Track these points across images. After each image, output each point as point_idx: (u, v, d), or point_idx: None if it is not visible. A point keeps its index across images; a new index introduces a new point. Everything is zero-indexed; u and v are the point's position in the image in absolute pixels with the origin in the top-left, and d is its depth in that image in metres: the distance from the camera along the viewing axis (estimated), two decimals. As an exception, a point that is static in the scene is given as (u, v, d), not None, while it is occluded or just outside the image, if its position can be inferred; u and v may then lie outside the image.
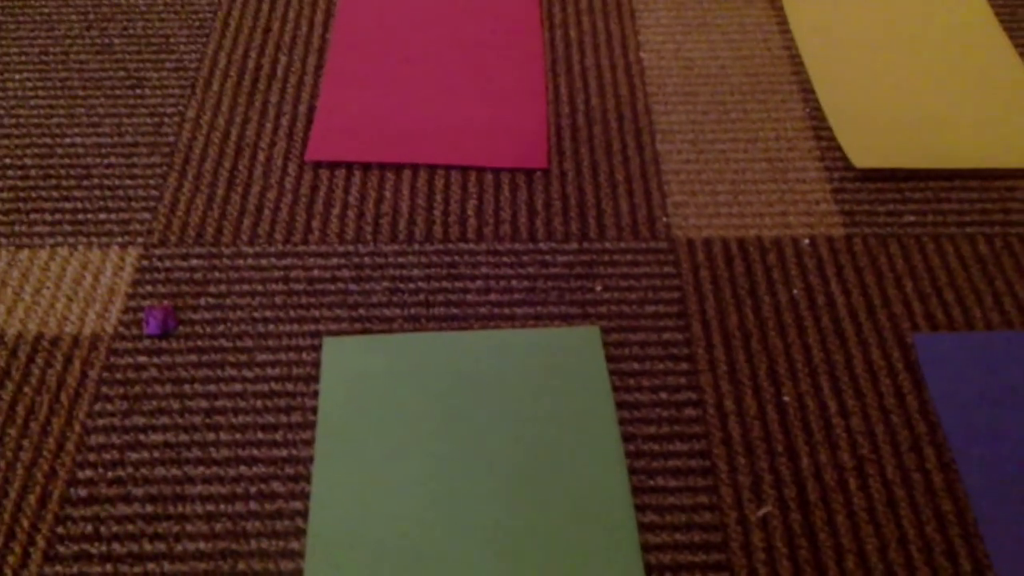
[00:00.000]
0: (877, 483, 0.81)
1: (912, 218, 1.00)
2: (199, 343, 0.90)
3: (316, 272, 0.96)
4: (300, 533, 0.77)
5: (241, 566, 0.76)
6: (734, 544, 0.77)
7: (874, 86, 1.12)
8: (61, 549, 0.77)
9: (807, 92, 1.13)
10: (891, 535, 0.77)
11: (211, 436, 0.83)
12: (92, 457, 0.82)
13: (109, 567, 0.76)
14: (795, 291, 0.94)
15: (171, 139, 1.08)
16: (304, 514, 0.79)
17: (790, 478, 0.81)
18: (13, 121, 1.10)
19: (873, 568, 0.76)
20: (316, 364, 0.89)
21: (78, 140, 1.08)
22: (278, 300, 0.94)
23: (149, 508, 0.79)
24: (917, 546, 0.77)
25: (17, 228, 0.99)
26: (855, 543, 0.77)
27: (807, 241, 0.98)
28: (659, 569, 0.76)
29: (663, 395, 0.87)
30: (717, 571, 0.76)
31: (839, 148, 1.07)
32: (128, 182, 1.04)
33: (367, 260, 0.97)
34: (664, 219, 1.01)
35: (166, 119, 1.10)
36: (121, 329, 0.91)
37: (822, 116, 1.10)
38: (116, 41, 1.19)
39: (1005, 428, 0.83)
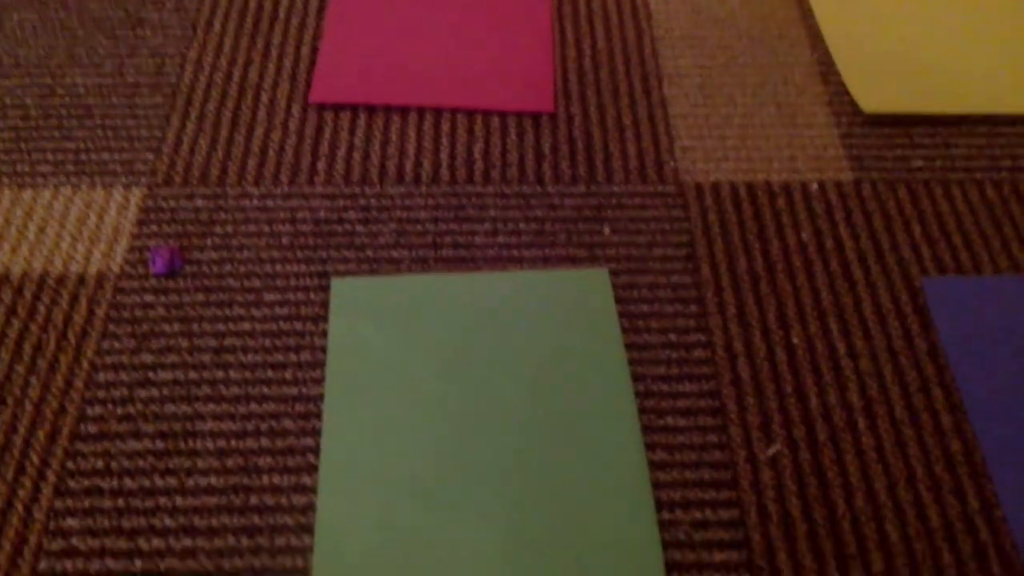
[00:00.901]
0: (886, 423, 0.81)
1: (920, 163, 1.00)
2: (206, 283, 0.90)
3: (323, 213, 0.95)
4: (312, 469, 0.78)
5: (253, 500, 0.76)
6: (744, 482, 0.78)
7: (883, 31, 1.11)
8: (72, 484, 0.77)
9: (815, 37, 1.12)
10: (899, 474, 0.78)
11: (220, 374, 0.83)
12: (101, 394, 0.82)
13: (120, 501, 0.76)
14: (804, 235, 0.94)
15: (173, 80, 1.07)
16: (315, 450, 0.79)
17: (799, 418, 0.81)
18: (12, 61, 1.08)
19: (882, 506, 0.76)
20: (324, 304, 0.88)
21: (79, 80, 1.07)
22: (285, 241, 0.93)
23: (160, 444, 0.79)
24: (925, 484, 0.77)
25: (19, 168, 0.98)
26: (864, 481, 0.78)
27: (815, 185, 0.98)
28: (669, 506, 0.76)
29: (672, 337, 0.87)
30: (727, 508, 0.76)
31: (847, 93, 1.06)
32: (131, 122, 1.03)
33: (373, 202, 0.96)
34: (672, 163, 1.00)
35: (167, 60, 1.09)
36: (127, 268, 0.90)
37: (830, 61, 1.10)
38: (116, -20, 1.17)
39: (1013, 370, 0.83)
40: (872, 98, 1.04)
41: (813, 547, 0.74)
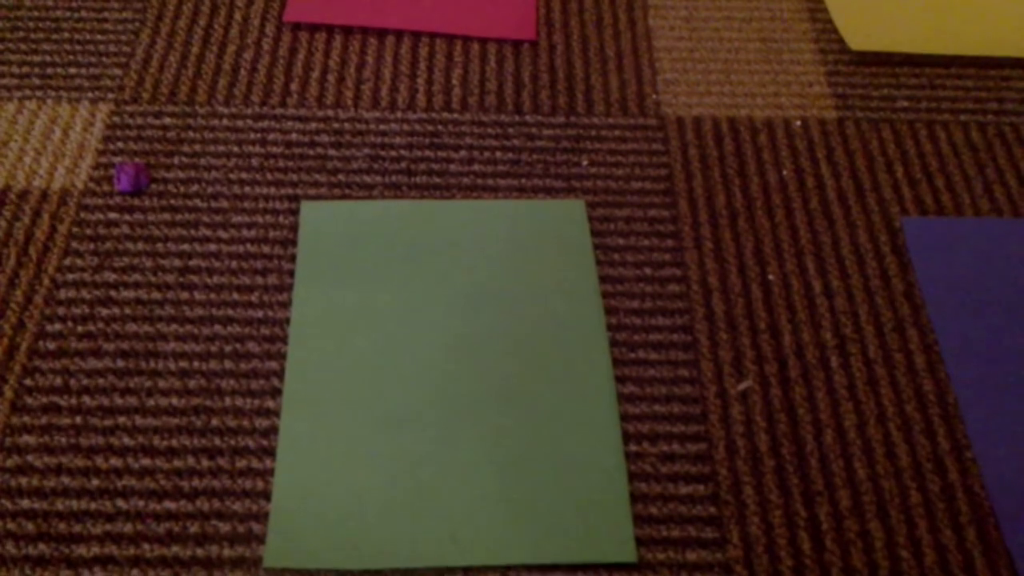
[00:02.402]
0: (859, 362, 0.80)
1: (906, 103, 0.98)
2: (172, 202, 0.87)
3: (294, 136, 0.93)
4: (275, 392, 0.76)
5: (215, 422, 0.74)
6: (713, 417, 0.77)
7: (874, -32, 1.09)
8: (29, 400, 0.75)
9: (805, -27, 1.10)
10: (870, 412, 0.77)
11: (185, 295, 0.81)
12: (61, 311, 0.80)
13: (79, 419, 0.74)
14: (784, 172, 0.92)
15: (144, -5, 1.04)
16: (279, 374, 0.77)
17: (772, 355, 0.80)
18: (-23, -31, 1.04)
19: (851, 443, 0.76)
20: (293, 228, 0.86)
21: (46, -8, 1.03)
22: (255, 162, 0.91)
23: (120, 363, 0.77)
24: (896, 424, 0.77)
25: (-18, 79, 0.95)
26: (834, 419, 0.77)
27: (799, 123, 0.96)
28: (637, 439, 0.75)
29: (647, 270, 0.85)
30: (695, 442, 0.75)
31: (835, 30, 1.04)
32: (99, 37, 1.00)
33: (347, 126, 0.94)
34: (654, 96, 0.98)
35: (139, -26, 1.05)
36: (92, 185, 0.88)
37: (819, -2, 1.07)
38: None
39: (989, 313, 0.83)
40: (859, 36, 1.02)
41: (780, 482, 0.73)
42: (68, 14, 1.02)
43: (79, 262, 0.83)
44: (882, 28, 1.03)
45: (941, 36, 1.02)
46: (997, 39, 1.02)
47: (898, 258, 0.87)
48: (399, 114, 0.95)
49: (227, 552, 0.68)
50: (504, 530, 0.69)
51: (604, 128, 0.95)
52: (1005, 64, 1.02)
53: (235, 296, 0.82)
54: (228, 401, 0.76)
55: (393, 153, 0.92)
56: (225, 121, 0.93)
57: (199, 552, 0.68)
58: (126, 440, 0.73)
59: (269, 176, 0.90)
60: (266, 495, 0.71)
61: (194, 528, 0.69)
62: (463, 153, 0.93)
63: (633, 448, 0.75)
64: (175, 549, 0.68)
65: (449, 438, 0.74)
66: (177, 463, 0.72)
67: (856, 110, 0.98)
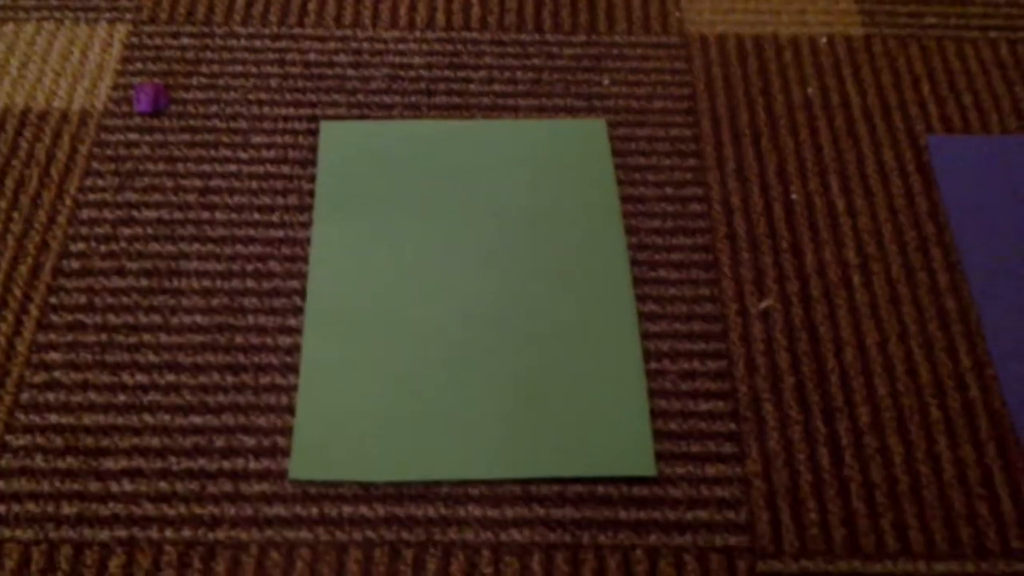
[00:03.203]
0: (881, 280, 0.80)
1: (934, 20, 0.96)
2: (191, 123, 0.87)
3: (312, 56, 0.92)
4: (297, 311, 0.77)
5: (239, 340, 0.75)
6: (733, 335, 0.77)
7: None
8: (54, 318, 0.76)
9: None
10: (892, 331, 0.77)
11: (206, 215, 0.82)
12: (84, 231, 0.80)
13: (104, 336, 0.75)
14: (809, 90, 0.91)
15: (159, -86, 1.02)
16: (301, 293, 0.78)
17: (793, 274, 0.80)
18: None
19: (872, 360, 0.76)
20: (312, 148, 0.86)
21: (61, -89, 1.02)
22: (273, 83, 0.90)
23: (144, 282, 0.78)
24: (918, 342, 0.77)
25: (0, 1, 0.95)
26: (855, 337, 0.77)
27: (824, 39, 0.95)
28: (657, 356, 0.75)
29: (668, 190, 0.85)
30: (716, 359, 0.75)
31: (863, -55, 1.01)
32: (115, -44, 0.99)
33: (365, 46, 0.93)
34: (677, 13, 0.96)
35: None
36: (111, 106, 0.88)
37: (847, -88, 1.04)
38: None
39: (1014, 231, 0.82)
40: (889, -50, 0.99)
41: (800, 399, 0.74)
42: (83, -66, 1.01)
43: (100, 182, 0.83)
44: (911, -58, 1.00)
45: (972, -50, 1.00)
46: (1030, -47, 1.00)
47: (923, 176, 0.86)
48: (418, 33, 0.94)
49: (252, 465, 0.70)
50: (525, 444, 0.70)
51: (626, 46, 0.94)
52: (1038, -21, 0.99)
53: (256, 216, 0.82)
54: (251, 319, 0.76)
55: (412, 73, 0.91)
56: (243, 41, 0.93)
57: (225, 465, 0.69)
58: (151, 357, 0.74)
59: (288, 96, 0.89)
60: (290, 410, 0.72)
61: (220, 442, 0.70)
62: (483, 73, 0.92)
63: (654, 366, 0.75)
64: (201, 462, 0.70)
65: (471, 354, 0.74)
66: (202, 379, 0.73)
67: (883, 26, 0.96)
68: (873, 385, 0.75)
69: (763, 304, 0.78)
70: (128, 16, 0.94)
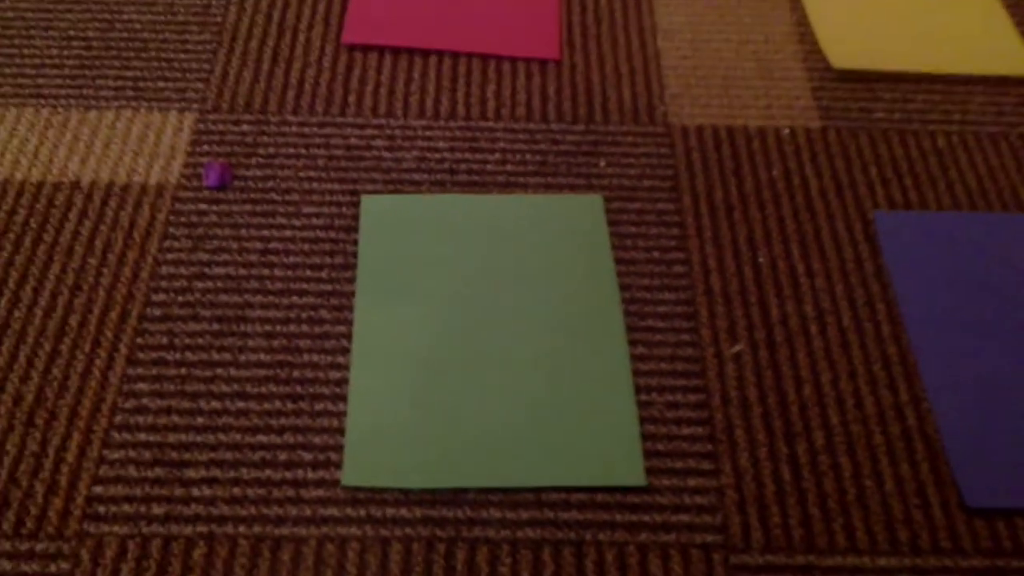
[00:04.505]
0: (834, 330, 0.95)
1: (881, 114, 1.14)
2: (252, 196, 1.03)
3: (353, 140, 1.08)
4: (344, 351, 0.91)
5: (296, 374, 0.90)
6: (710, 373, 0.92)
7: (855, -3, 1.25)
8: (141, 356, 0.90)
9: (795, 1, 1.25)
10: (843, 370, 0.92)
11: (266, 272, 0.97)
12: (164, 284, 0.95)
13: (183, 370, 0.89)
14: (774, 172, 1.08)
15: (219, 19, 1.20)
16: (348, 336, 0.92)
17: (760, 323, 0.95)
18: (75, -3, 1.21)
19: (826, 395, 0.90)
20: (355, 217, 1.02)
21: (135, 17, 1.20)
22: (320, 163, 1.06)
23: (216, 326, 0.93)
24: (864, 379, 0.92)
25: (85, 92, 1.11)
26: (812, 375, 0.92)
27: (787, 131, 1.11)
28: (647, 390, 0.90)
29: (655, 254, 1.00)
30: (695, 393, 0.90)
31: (820, 51, 1.19)
32: (182, 55, 1.16)
33: (398, 132, 1.10)
34: (662, 107, 1.13)
35: (214, 1, 1.22)
36: (183, 181, 1.04)
37: (807, 23, 1.23)
38: (167, -72, 1.29)
39: (946, 288, 0.97)
40: (841, 56, 1.17)
41: (765, 425, 0.88)
42: (154, 35, 1.18)
43: (176, 244, 0.98)
44: (861, 49, 1.18)
45: (913, 55, 1.18)
46: (961, 58, 1.18)
47: (870, 245, 1.02)
48: (442, 122, 1.11)
49: (310, 475, 0.83)
50: (538, 459, 0.84)
51: (619, 135, 1.10)
52: (968, 81, 1.17)
53: (308, 272, 0.97)
54: (306, 357, 0.91)
55: (438, 155, 1.08)
56: (294, 128, 1.09)
57: (287, 475, 0.83)
58: (223, 387, 0.89)
59: (332, 174, 1.05)
60: (340, 431, 0.86)
61: (283, 456, 0.84)
62: (497, 155, 1.08)
63: (643, 398, 0.90)
64: (267, 472, 0.84)
65: (492, 386, 0.89)
66: (267, 405, 0.88)
67: (838, 120, 1.13)
68: (827, 415, 0.89)
69: (735, 348, 0.93)
70: (195, 106, 1.11)
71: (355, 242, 1.00)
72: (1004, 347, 0.93)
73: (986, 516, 0.84)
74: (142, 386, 0.88)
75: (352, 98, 1.12)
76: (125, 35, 1.18)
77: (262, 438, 0.86)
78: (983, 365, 0.92)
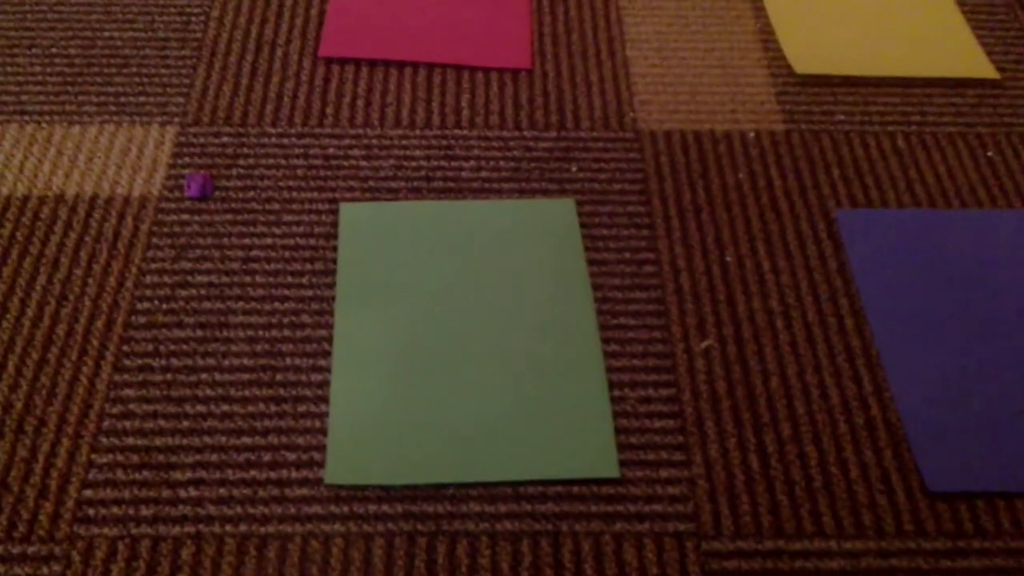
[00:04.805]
0: (799, 324, 0.98)
1: (842, 117, 1.17)
2: (233, 205, 1.06)
3: (331, 150, 1.11)
4: (326, 354, 0.94)
5: (279, 377, 0.92)
6: (681, 368, 0.95)
7: (817, 3, 1.28)
8: (127, 362, 0.93)
9: (759, 10, 1.29)
10: (808, 363, 0.95)
11: (248, 279, 0.99)
12: (148, 292, 0.98)
13: (169, 376, 0.92)
14: (740, 175, 1.11)
15: (198, 35, 1.23)
16: (328, 340, 0.95)
17: (728, 320, 0.99)
18: (56, 16, 1.23)
19: (792, 387, 0.94)
20: (334, 224, 1.04)
21: (116, 34, 1.22)
22: (299, 172, 1.09)
23: (200, 333, 0.95)
24: (829, 372, 0.95)
25: (68, 107, 1.14)
26: (779, 368, 0.95)
27: (752, 134, 1.15)
28: (619, 386, 0.93)
29: (627, 255, 1.04)
30: (666, 387, 0.93)
31: (783, 57, 1.23)
32: (163, 71, 1.18)
33: (375, 141, 1.12)
34: (631, 114, 1.17)
35: (193, 18, 1.25)
36: (165, 192, 1.06)
37: (771, 31, 1.26)
38: (145, -53, 1.32)
39: (906, 283, 1.01)
40: (804, 61, 1.21)
41: (734, 417, 0.91)
42: (134, 52, 1.20)
43: (159, 254, 1.01)
44: (823, 54, 1.22)
45: (872, 60, 1.22)
46: (919, 62, 1.22)
47: (833, 242, 1.05)
48: (418, 131, 1.14)
49: (294, 474, 0.86)
50: (515, 453, 0.87)
51: (590, 141, 1.14)
52: (926, 83, 1.21)
53: (289, 279, 1.00)
54: (288, 360, 0.93)
55: (414, 163, 1.11)
56: (273, 139, 1.12)
57: (271, 474, 0.86)
58: (208, 392, 0.91)
59: (312, 183, 1.08)
60: (323, 431, 0.89)
61: (267, 457, 0.87)
62: (472, 163, 1.11)
63: (617, 393, 0.93)
64: (252, 472, 0.86)
65: (470, 384, 0.92)
66: (250, 408, 0.90)
67: (801, 123, 1.16)
68: (793, 406, 0.92)
69: (704, 344, 0.97)
70: (176, 120, 1.13)
71: (334, 248, 1.02)
72: (962, 338, 0.97)
73: (947, 500, 0.87)
74: (128, 392, 0.91)
75: (330, 109, 1.15)
76: (107, 52, 1.20)
77: (247, 440, 0.88)
78: (943, 356, 0.96)
